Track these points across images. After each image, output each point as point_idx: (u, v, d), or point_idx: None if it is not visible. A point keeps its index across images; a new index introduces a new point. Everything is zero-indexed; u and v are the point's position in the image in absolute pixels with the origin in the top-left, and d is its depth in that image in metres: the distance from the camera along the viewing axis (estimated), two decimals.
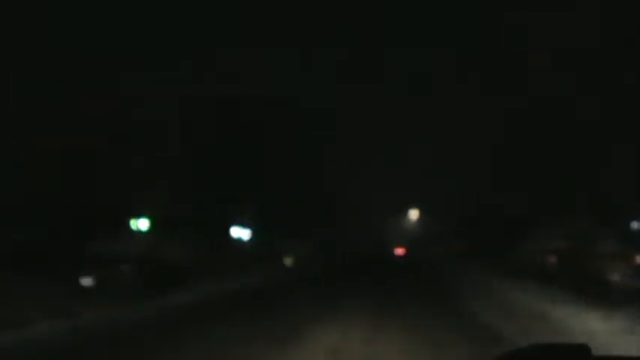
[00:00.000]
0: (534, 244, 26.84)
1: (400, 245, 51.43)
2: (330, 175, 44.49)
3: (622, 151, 24.38)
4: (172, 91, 28.83)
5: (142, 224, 25.76)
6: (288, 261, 31.54)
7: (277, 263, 30.47)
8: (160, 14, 27.65)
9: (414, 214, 57.36)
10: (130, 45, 25.50)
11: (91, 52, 23.50)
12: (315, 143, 41.93)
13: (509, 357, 2.03)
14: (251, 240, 34.82)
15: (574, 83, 25.84)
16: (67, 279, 14.54)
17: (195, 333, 9.64)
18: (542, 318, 12.14)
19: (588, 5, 24.79)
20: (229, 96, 34.03)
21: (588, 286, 17.08)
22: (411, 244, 52.07)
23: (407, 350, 8.48)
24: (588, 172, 26.51)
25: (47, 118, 22.58)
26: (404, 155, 48.87)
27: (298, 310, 12.83)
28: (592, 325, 10.93)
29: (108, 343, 9.11)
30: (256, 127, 34.93)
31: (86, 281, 14.83)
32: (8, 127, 21.50)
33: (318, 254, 38.03)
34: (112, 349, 8.59)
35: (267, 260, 29.86)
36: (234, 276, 21.75)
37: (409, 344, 8.91)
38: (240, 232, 34.56)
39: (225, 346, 8.57)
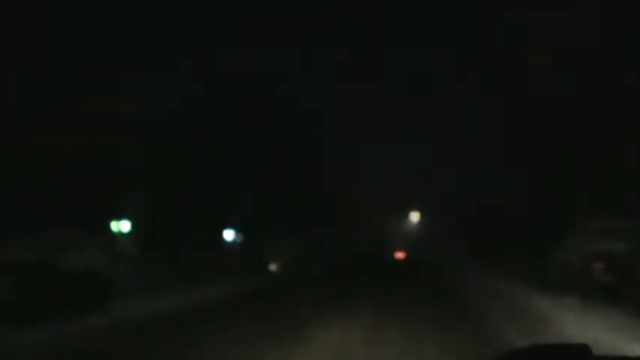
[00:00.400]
0: (561, 245, 21.94)
1: (400, 249, 51.34)
2: (330, 175, 44.51)
3: (622, 151, 24.38)
4: (172, 92, 28.86)
5: (123, 226, 25.12)
6: (272, 266, 28.13)
7: (262, 267, 27.40)
8: (159, 14, 27.67)
9: (415, 216, 57.36)
10: (130, 45, 25.50)
11: (91, 52, 23.51)
12: (315, 143, 41.95)
13: (509, 357, 2.03)
14: (245, 241, 34.08)
15: (574, 83, 25.84)
16: None
17: None
18: None
19: (588, 5, 24.78)
20: (229, 96, 34.04)
21: None
22: (411, 245, 52.00)
23: (407, 350, 8.47)
24: (588, 172, 26.52)
25: (47, 118, 22.59)
26: (404, 155, 48.86)
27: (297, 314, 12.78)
28: None
29: None
30: (256, 127, 34.95)
31: None
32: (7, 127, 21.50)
33: (318, 254, 37.92)
34: None
35: (253, 264, 27.20)
36: (195, 286, 17.75)
37: (409, 344, 8.90)
38: (233, 234, 33.79)
39: None
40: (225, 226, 32.93)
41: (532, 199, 31.87)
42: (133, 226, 25.30)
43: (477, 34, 34.05)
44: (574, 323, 10.69)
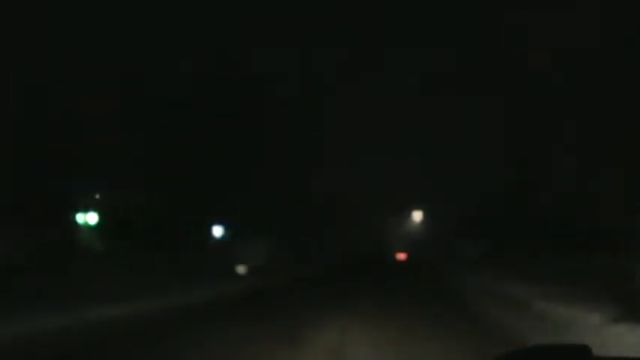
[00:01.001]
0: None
1: (401, 250, 51.12)
2: (330, 175, 44.49)
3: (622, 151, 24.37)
4: (172, 91, 28.85)
5: (90, 218, 23.80)
6: (241, 268, 24.14)
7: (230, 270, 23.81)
8: (160, 14, 27.65)
9: (417, 215, 57.23)
10: (130, 45, 25.50)
11: (91, 52, 23.52)
12: (315, 143, 41.91)
13: (509, 357, 2.03)
14: (234, 239, 32.55)
15: (574, 83, 25.84)
16: None
17: None
18: None
19: (588, 5, 24.79)
20: (229, 96, 34.02)
21: None
22: (413, 245, 51.70)
23: (407, 350, 8.46)
24: (588, 171, 26.52)
25: (47, 118, 22.58)
26: (404, 155, 48.82)
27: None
28: None
29: None
30: (256, 127, 34.94)
31: None
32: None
33: (318, 254, 37.79)
34: None
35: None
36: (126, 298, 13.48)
37: (409, 344, 8.90)
38: (222, 230, 32.53)
39: None
40: (214, 223, 31.83)
41: (532, 198, 31.88)
42: (101, 219, 23.72)
43: (477, 34, 34.04)
44: None
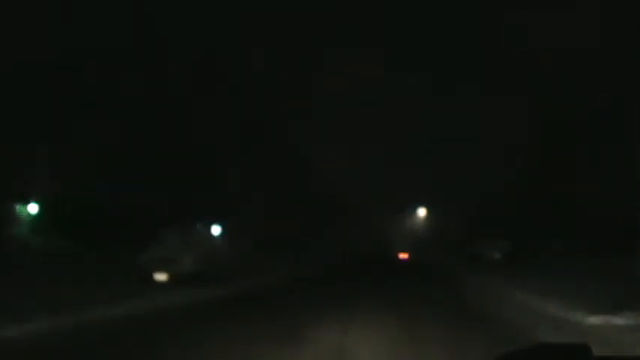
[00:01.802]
0: None
1: (403, 250, 50.98)
2: (330, 175, 44.51)
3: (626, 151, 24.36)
4: (173, 91, 28.84)
5: (31, 209, 22.56)
6: (161, 275, 16.91)
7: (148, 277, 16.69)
8: (159, 14, 27.64)
9: (421, 212, 57.30)
10: (130, 45, 25.49)
11: (91, 51, 23.52)
12: (315, 143, 41.93)
13: (510, 356, 2.03)
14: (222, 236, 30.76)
15: (574, 83, 25.85)
16: None
17: None
18: None
19: (588, 5, 24.80)
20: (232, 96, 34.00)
21: None
22: (414, 245, 51.53)
23: (407, 350, 8.47)
24: (587, 169, 26.53)
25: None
26: (404, 155, 48.87)
27: None
28: None
29: None
30: (257, 127, 34.94)
31: None
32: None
33: (318, 254, 37.69)
34: None
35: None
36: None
37: (410, 344, 8.91)
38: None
39: None
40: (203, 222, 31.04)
41: (532, 198, 31.87)
42: (42, 209, 22.10)
43: (477, 34, 34.06)
44: None
